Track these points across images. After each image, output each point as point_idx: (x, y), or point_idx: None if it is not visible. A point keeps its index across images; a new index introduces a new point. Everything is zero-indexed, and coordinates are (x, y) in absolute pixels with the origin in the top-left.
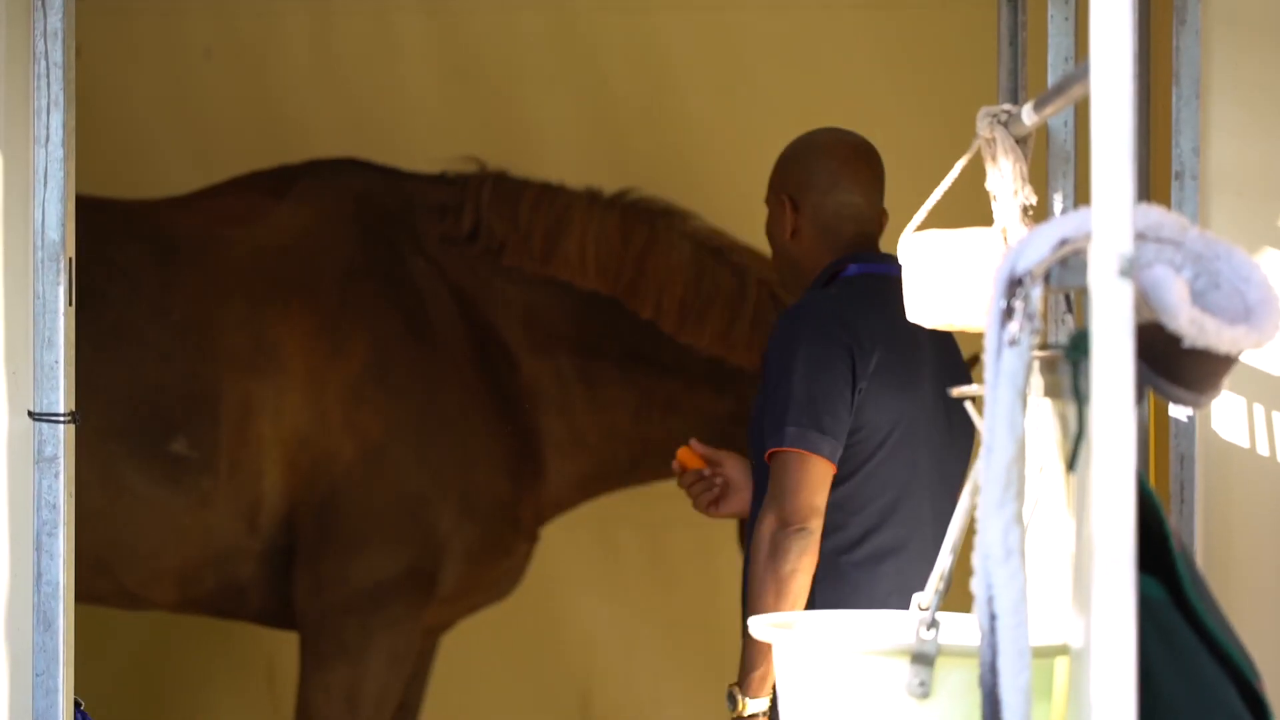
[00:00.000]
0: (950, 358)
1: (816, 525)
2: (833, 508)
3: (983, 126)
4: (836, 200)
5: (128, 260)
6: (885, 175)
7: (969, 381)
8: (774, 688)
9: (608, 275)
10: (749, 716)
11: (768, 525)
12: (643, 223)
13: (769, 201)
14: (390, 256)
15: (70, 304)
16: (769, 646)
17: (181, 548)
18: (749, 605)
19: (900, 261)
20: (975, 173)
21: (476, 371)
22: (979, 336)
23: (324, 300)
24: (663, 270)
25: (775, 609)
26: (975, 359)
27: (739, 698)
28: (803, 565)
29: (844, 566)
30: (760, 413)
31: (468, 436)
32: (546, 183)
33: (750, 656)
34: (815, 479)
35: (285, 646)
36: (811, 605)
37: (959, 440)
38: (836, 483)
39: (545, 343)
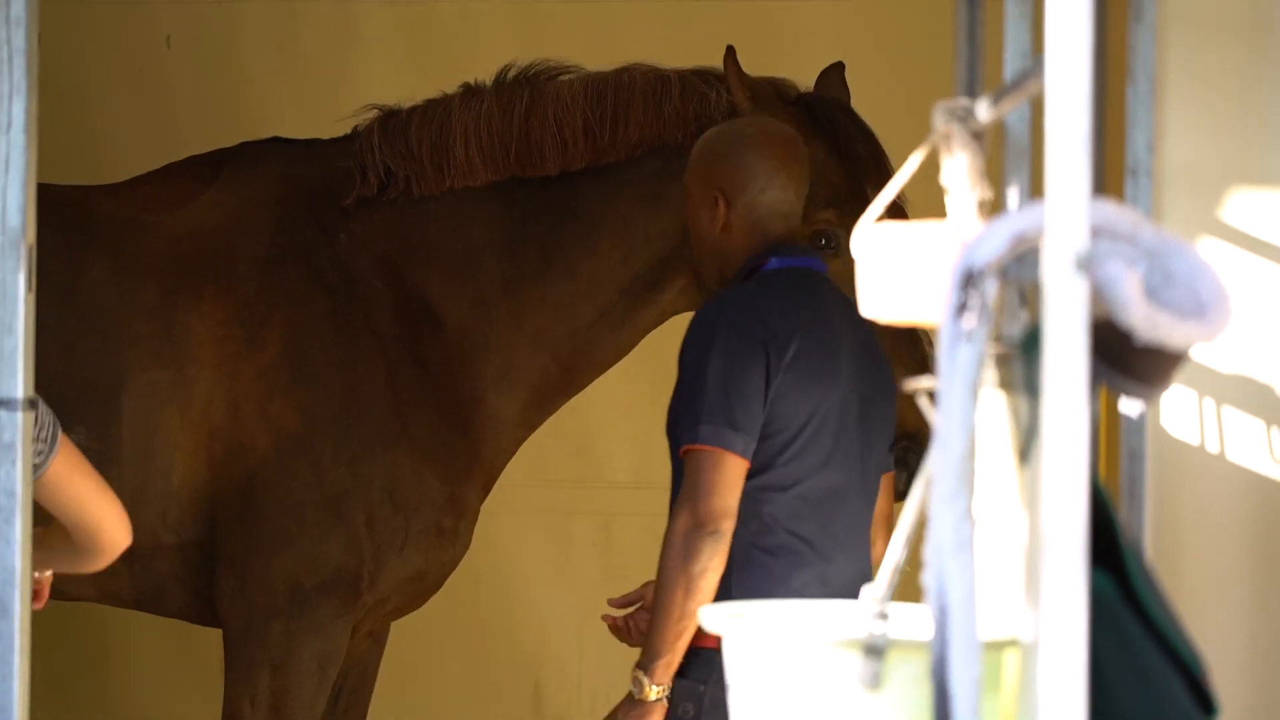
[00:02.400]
0: (870, 355)
1: (729, 527)
2: (746, 497)
3: (939, 121)
4: (770, 198)
5: (38, 248)
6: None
7: (890, 379)
8: (673, 677)
9: (496, 161)
10: (653, 701)
11: (681, 524)
12: (520, 91)
13: (693, 193)
14: (315, 238)
15: (30, 290)
16: (676, 635)
17: None
18: (658, 601)
19: (853, 255)
20: (930, 167)
21: (401, 350)
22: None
23: (239, 288)
24: (550, 117)
25: (684, 606)
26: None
27: (645, 683)
28: (713, 565)
29: (757, 555)
30: (677, 403)
31: (390, 423)
32: (430, 98)
33: (657, 644)
34: (730, 477)
35: None
36: (728, 593)
37: (875, 434)
38: (751, 475)
39: (467, 270)
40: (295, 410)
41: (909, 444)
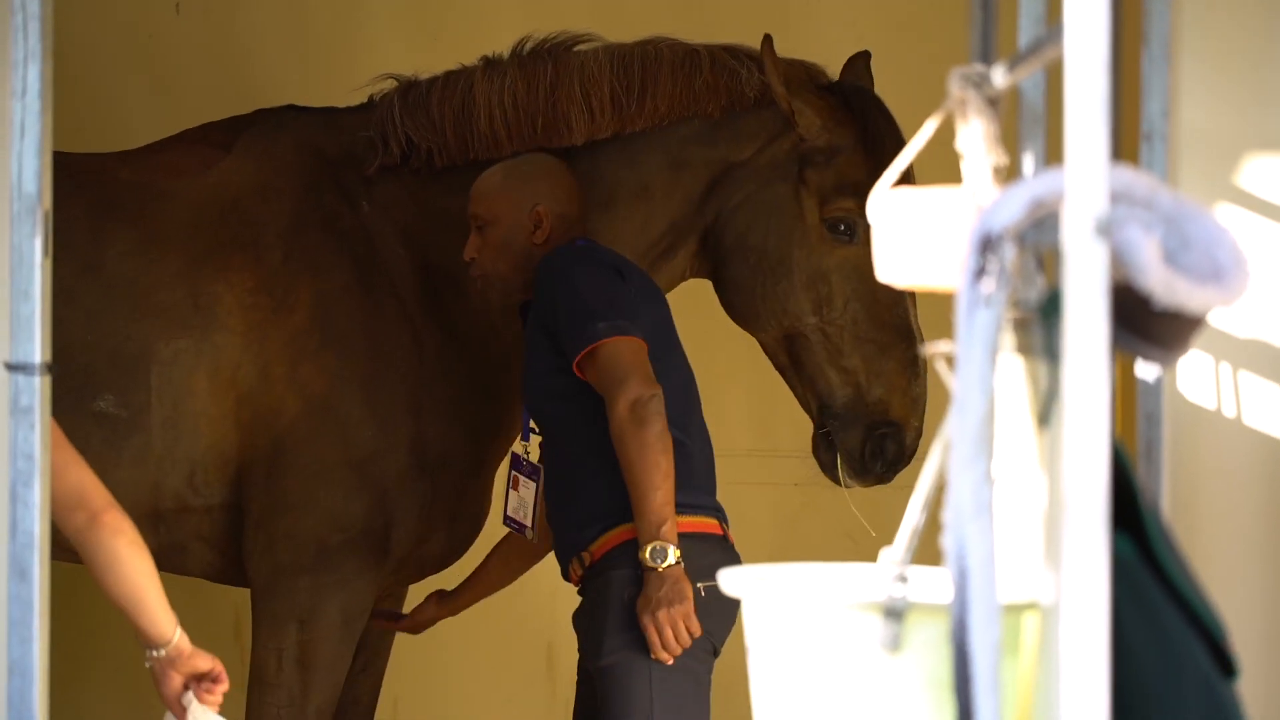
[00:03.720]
0: None
1: (659, 388)
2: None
3: (955, 87)
4: (573, 212)
5: (59, 217)
6: None
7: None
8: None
9: (522, 133)
10: (676, 564)
11: (622, 405)
12: (543, 63)
13: (505, 215)
14: (338, 205)
15: (46, 255)
16: (667, 496)
17: None
18: (638, 479)
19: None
20: (946, 133)
21: (426, 316)
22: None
23: (266, 255)
24: (577, 89)
25: (662, 466)
26: None
27: (666, 549)
28: (663, 424)
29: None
30: (535, 360)
31: (417, 387)
32: (449, 70)
33: (658, 512)
34: (640, 353)
35: None
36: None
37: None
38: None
39: None
40: (324, 374)
41: (889, 431)
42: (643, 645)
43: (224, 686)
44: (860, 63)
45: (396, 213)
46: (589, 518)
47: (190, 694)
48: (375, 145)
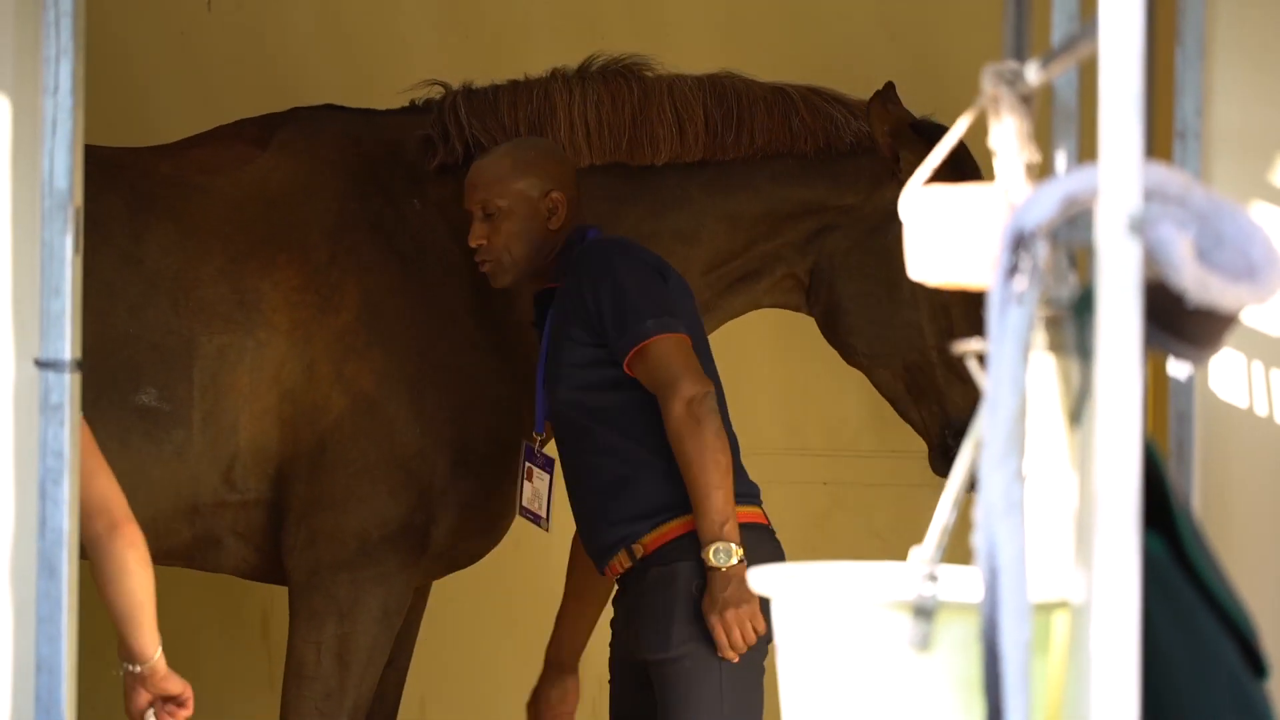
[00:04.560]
0: None
1: (711, 385)
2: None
3: (988, 84)
4: (578, 194)
5: (98, 210)
6: None
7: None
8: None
9: (604, 146)
10: (739, 564)
11: (679, 405)
12: (628, 80)
13: (517, 206)
14: (383, 203)
15: (77, 252)
16: (727, 496)
17: (152, 500)
18: (699, 478)
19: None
20: (979, 130)
21: (474, 315)
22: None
23: (312, 253)
24: (669, 111)
25: (722, 465)
26: None
27: (731, 549)
28: (719, 421)
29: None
30: (569, 353)
31: (464, 386)
32: (514, 79)
33: (721, 511)
34: (689, 350)
35: (280, 599)
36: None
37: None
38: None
39: None
40: (371, 372)
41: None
42: (712, 638)
43: (188, 712)
44: (891, 95)
45: (450, 212)
46: (643, 510)
47: (151, 713)
48: (435, 143)
